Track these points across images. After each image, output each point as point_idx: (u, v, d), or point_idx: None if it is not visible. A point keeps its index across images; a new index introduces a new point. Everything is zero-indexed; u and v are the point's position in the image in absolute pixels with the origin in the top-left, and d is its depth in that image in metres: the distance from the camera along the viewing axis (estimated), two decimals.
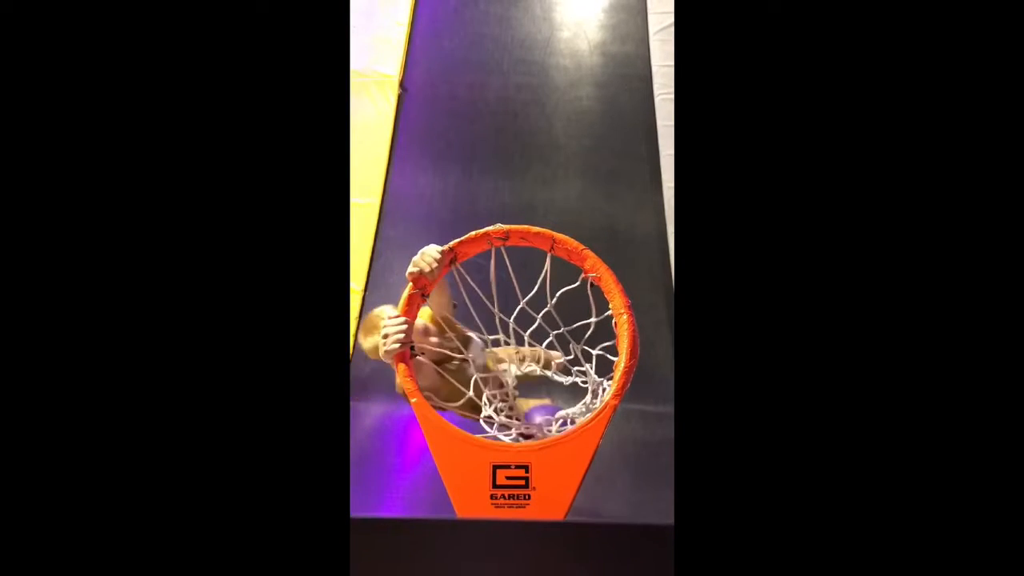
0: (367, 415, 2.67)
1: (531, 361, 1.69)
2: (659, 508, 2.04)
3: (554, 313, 1.55)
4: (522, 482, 1.23)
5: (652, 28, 3.44)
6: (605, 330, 1.48)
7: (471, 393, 1.50)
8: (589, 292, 1.46)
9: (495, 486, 1.23)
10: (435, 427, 1.29)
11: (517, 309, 1.58)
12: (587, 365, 1.58)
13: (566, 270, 1.47)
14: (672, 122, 3.24)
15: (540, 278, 1.51)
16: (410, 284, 1.40)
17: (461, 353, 1.62)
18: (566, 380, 1.66)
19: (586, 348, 1.56)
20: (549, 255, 1.45)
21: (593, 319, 1.51)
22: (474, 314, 1.61)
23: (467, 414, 1.56)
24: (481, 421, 1.53)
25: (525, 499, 1.22)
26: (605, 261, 1.40)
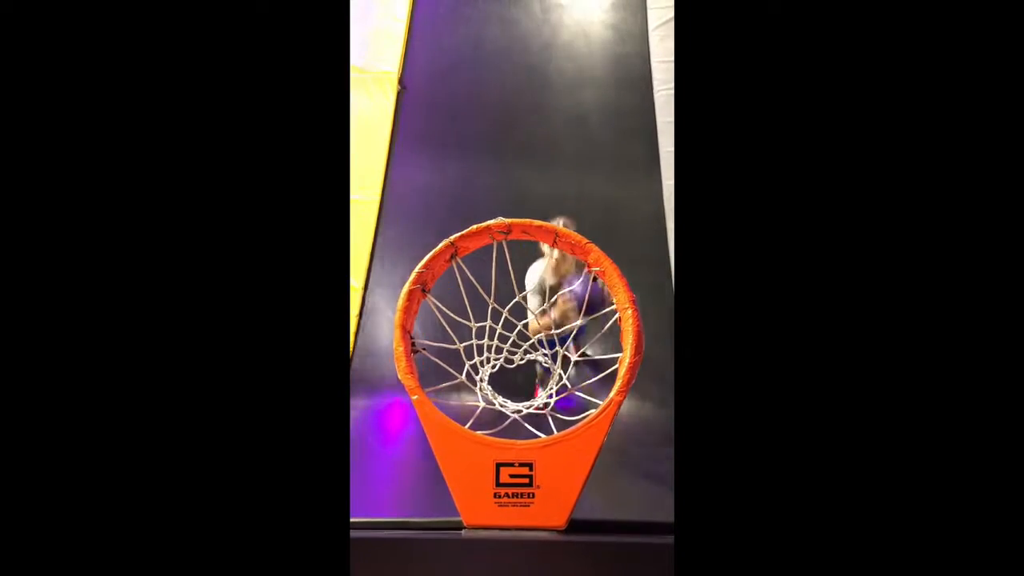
0: (368, 412, 2.66)
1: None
2: (658, 506, 2.03)
3: (550, 313, 1.54)
4: (526, 480, 1.21)
5: (651, 24, 3.44)
6: (594, 331, 1.48)
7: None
8: (586, 294, 1.46)
9: (499, 484, 1.22)
10: (438, 425, 1.27)
11: (512, 302, 1.58)
12: (555, 365, 1.58)
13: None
14: (671, 119, 3.23)
15: (539, 274, 1.50)
16: (410, 280, 1.39)
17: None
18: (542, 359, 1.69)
19: (566, 355, 1.55)
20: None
21: (579, 321, 1.50)
22: (470, 311, 1.60)
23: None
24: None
25: (529, 497, 1.21)
26: None
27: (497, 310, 1.57)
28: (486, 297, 1.53)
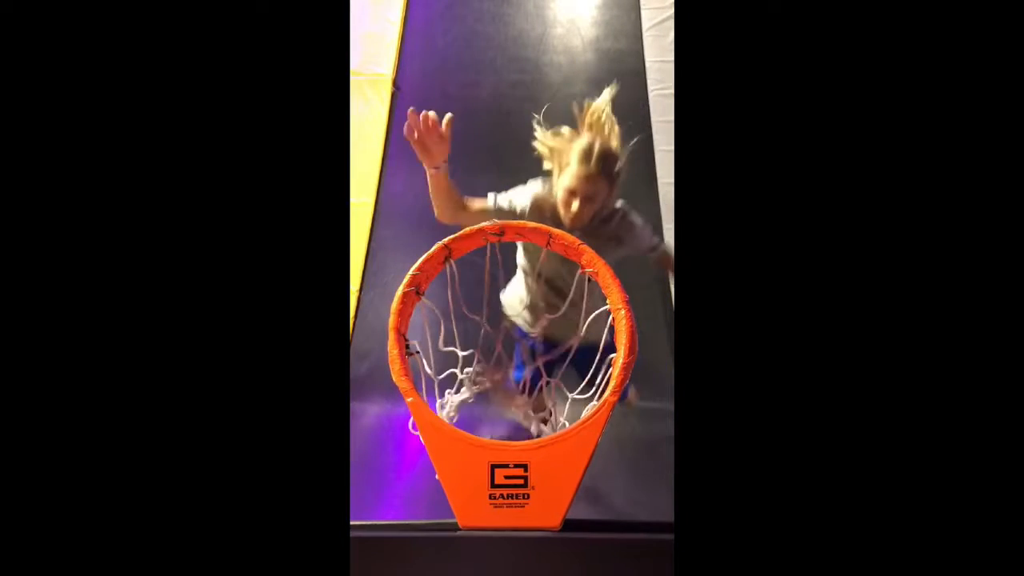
0: (364, 415, 2.66)
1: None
2: (657, 505, 2.03)
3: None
4: (521, 481, 1.21)
5: (646, 24, 3.45)
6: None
7: None
8: (585, 290, 1.46)
9: (493, 486, 1.21)
10: (431, 427, 1.27)
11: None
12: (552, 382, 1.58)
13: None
14: (666, 118, 3.23)
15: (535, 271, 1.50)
16: (404, 283, 1.38)
17: None
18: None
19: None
20: (545, 250, 1.44)
21: (574, 342, 1.51)
22: (465, 311, 1.60)
23: None
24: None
25: (524, 499, 1.21)
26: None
27: (493, 311, 1.57)
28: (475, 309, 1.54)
